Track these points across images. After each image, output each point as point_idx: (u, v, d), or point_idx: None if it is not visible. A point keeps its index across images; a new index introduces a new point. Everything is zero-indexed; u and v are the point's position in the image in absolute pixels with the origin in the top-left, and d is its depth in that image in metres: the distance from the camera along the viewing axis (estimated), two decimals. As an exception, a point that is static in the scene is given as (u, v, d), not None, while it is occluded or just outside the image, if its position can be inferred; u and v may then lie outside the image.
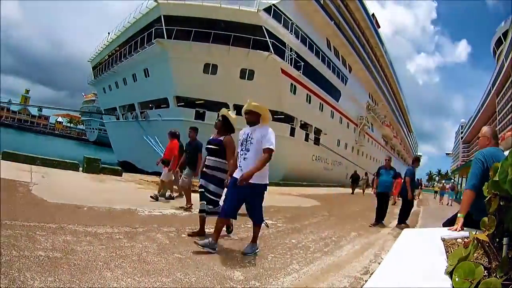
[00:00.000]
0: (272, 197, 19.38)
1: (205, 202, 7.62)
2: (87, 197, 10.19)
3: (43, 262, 4.61)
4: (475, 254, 2.63)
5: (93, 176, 15.64)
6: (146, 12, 33.71)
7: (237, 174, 6.63)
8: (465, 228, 4.14)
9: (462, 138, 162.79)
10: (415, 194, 14.59)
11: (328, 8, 40.63)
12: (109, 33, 44.07)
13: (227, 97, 31.15)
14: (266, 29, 30.16)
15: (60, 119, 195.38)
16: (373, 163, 67.19)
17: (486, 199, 2.89)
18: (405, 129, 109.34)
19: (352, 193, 33.54)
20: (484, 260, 2.68)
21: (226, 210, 6.68)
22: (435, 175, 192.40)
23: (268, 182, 6.84)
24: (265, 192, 6.97)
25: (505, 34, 78.01)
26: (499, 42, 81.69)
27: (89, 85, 57.14)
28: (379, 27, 68.26)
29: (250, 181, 6.25)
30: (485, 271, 2.26)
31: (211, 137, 7.88)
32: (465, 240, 2.99)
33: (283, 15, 32.48)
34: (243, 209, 7.02)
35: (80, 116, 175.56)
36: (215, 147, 7.64)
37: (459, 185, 57.28)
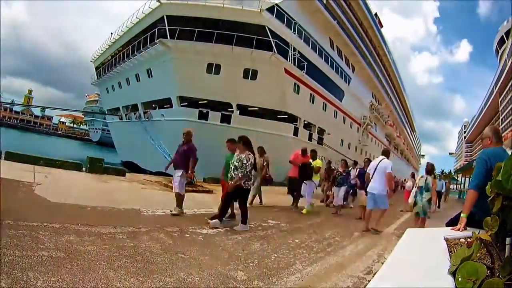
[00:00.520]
0: (276, 197, 19.42)
1: None
2: (90, 197, 10.19)
3: (46, 262, 4.61)
4: (478, 254, 2.63)
5: (96, 176, 15.64)
6: (149, 12, 33.73)
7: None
8: (468, 228, 4.13)
9: (465, 137, 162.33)
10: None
11: (331, 7, 40.54)
12: (112, 33, 44.11)
13: (230, 97, 31.14)
14: (269, 29, 30.11)
15: (63, 119, 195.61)
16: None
17: (489, 198, 2.88)
18: (408, 129, 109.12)
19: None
20: (487, 260, 2.67)
21: None
22: (438, 175, 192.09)
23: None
24: None
25: (507, 33, 77.81)
26: (502, 41, 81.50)
27: (92, 85, 57.16)
28: (382, 26, 68.13)
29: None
30: (488, 271, 2.25)
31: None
32: (468, 240, 2.97)
33: (286, 15, 32.40)
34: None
35: (83, 116, 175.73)
36: None
37: (462, 185, 57.14)
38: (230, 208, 10.43)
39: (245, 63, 30.33)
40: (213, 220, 9.04)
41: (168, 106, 33.83)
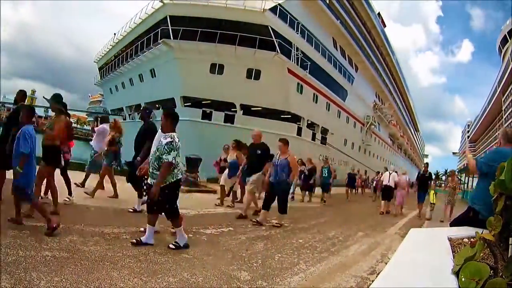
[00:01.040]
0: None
1: None
2: (93, 197, 10.19)
3: (49, 262, 4.61)
4: (481, 254, 2.61)
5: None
6: (152, 12, 33.74)
7: None
8: (471, 228, 4.12)
9: (468, 137, 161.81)
10: None
11: (334, 7, 40.47)
12: (115, 33, 44.18)
13: (233, 97, 31.17)
14: (272, 28, 30.10)
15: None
16: (380, 163, 67.14)
17: (493, 198, 2.87)
18: (412, 128, 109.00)
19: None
20: (490, 260, 2.66)
21: None
22: (442, 175, 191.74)
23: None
24: None
25: (510, 32, 77.49)
26: (505, 40, 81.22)
27: (95, 86, 57.22)
28: (385, 26, 68.07)
29: None
30: (491, 271, 2.23)
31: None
32: (472, 240, 2.96)
33: (289, 15, 32.39)
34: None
35: (86, 116, 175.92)
36: None
37: (465, 185, 57.02)
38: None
39: (248, 63, 30.35)
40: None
41: (172, 106, 33.85)
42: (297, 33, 33.15)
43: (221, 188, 13.87)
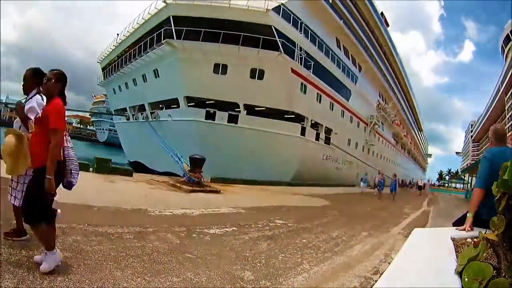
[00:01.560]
0: (283, 197, 19.45)
1: None
2: (97, 197, 10.21)
3: (52, 261, 4.61)
4: (484, 254, 2.60)
5: (104, 177, 15.68)
6: (155, 13, 33.74)
7: None
8: (475, 228, 4.11)
9: (472, 136, 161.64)
10: None
11: (337, 7, 40.41)
12: (118, 34, 44.16)
13: (237, 97, 31.15)
14: (275, 28, 30.07)
15: (70, 119, 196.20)
16: (384, 162, 67.05)
17: (496, 198, 2.86)
18: (415, 128, 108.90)
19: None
20: (493, 260, 2.65)
21: None
22: (445, 175, 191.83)
23: None
24: None
25: (513, 32, 77.31)
26: (507, 40, 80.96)
27: (99, 86, 57.28)
28: (388, 25, 67.95)
29: None
30: (494, 271, 2.23)
31: None
32: (475, 240, 2.96)
33: (292, 15, 32.34)
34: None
35: (90, 117, 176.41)
36: None
37: (469, 184, 57.14)
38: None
39: (252, 63, 30.32)
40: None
41: (175, 106, 33.88)
42: (301, 33, 33.10)
43: None
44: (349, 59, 46.03)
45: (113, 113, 53.70)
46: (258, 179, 25.46)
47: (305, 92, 33.95)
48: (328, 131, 40.26)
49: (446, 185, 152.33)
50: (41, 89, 5.26)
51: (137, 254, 5.64)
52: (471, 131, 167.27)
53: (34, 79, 5.38)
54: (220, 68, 30.78)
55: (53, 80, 4.67)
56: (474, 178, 51.63)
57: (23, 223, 5.18)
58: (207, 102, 32.13)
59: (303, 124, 34.61)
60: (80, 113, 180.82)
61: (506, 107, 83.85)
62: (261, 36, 29.60)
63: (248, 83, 30.63)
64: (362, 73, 50.79)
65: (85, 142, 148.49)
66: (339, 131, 42.21)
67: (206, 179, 19.69)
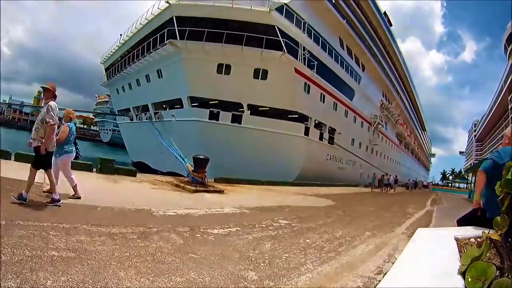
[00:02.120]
0: (287, 197, 19.43)
1: None
2: (101, 197, 10.21)
3: (56, 261, 4.62)
4: (487, 254, 2.60)
5: (107, 177, 15.68)
6: (158, 13, 33.76)
7: None
8: (478, 228, 4.10)
9: (475, 136, 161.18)
10: None
11: (340, 7, 40.43)
12: (121, 34, 44.22)
13: (241, 97, 31.17)
14: (278, 28, 30.07)
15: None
16: (387, 162, 67.05)
17: (499, 198, 2.85)
18: (418, 128, 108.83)
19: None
20: (496, 260, 2.64)
21: None
22: (449, 174, 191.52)
23: None
24: None
25: (516, 31, 77.08)
26: (510, 39, 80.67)
27: (102, 87, 57.37)
28: (391, 25, 67.90)
29: None
30: (497, 271, 2.22)
31: None
32: (478, 240, 2.95)
33: (295, 14, 32.40)
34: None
35: (93, 117, 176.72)
36: None
37: (472, 184, 57.07)
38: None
39: (255, 63, 30.33)
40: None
41: (179, 106, 33.91)
42: (304, 33, 33.11)
43: None
44: (352, 58, 46.04)
45: (117, 113, 53.76)
46: (262, 179, 25.44)
47: (308, 92, 33.95)
48: (332, 131, 40.27)
49: (450, 185, 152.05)
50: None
51: (141, 254, 5.64)
52: (475, 130, 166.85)
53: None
54: (224, 68, 30.80)
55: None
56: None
57: None
58: (210, 102, 32.15)
59: (307, 124, 34.61)
60: (84, 114, 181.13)
61: (510, 106, 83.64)
62: (264, 36, 29.61)
63: (252, 83, 30.64)
64: (366, 72, 50.80)
65: (88, 142, 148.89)
66: (342, 131, 42.21)
67: (210, 179, 19.68)
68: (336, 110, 40.95)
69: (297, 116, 33.36)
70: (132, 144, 50.76)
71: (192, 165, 18.50)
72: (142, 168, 36.77)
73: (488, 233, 2.61)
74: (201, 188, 16.38)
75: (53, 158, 9.08)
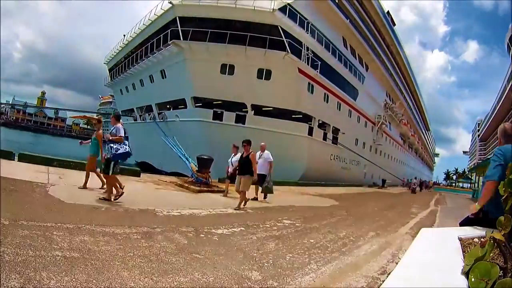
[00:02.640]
0: (291, 197, 19.45)
1: None
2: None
3: (59, 261, 4.62)
4: (491, 254, 2.59)
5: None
6: (161, 13, 33.79)
7: None
8: (481, 228, 4.09)
9: (479, 136, 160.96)
10: None
11: (343, 6, 40.43)
12: (124, 35, 44.29)
13: (244, 97, 31.18)
14: (282, 28, 30.10)
15: (77, 120, 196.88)
16: (391, 162, 66.98)
17: (503, 198, 2.84)
18: (422, 128, 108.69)
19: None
20: (500, 260, 2.63)
21: None
22: (452, 174, 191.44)
23: None
24: None
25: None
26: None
27: (105, 87, 57.47)
28: (394, 24, 67.83)
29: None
30: (501, 271, 2.21)
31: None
32: (482, 239, 2.94)
33: (298, 15, 32.38)
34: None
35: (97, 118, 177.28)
36: None
37: (476, 184, 57.02)
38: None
39: (259, 63, 30.34)
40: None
41: (183, 106, 33.95)
42: (307, 33, 33.10)
43: None
44: (356, 58, 46.04)
45: (121, 113, 53.79)
46: (266, 179, 25.46)
47: (312, 92, 33.96)
48: (336, 130, 40.29)
49: (454, 184, 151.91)
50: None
51: (145, 254, 5.64)
52: (478, 130, 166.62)
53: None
54: (227, 69, 30.83)
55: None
56: (481, 178, 51.47)
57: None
58: (214, 103, 32.19)
59: (311, 124, 34.63)
60: (87, 114, 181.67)
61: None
62: (268, 36, 29.63)
63: (255, 83, 30.65)
64: (369, 72, 50.80)
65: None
66: (346, 131, 42.21)
67: (214, 179, 19.67)
68: (340, 110, 40.95)
69: (301, 116, 33.37)
70: (136, 144, 50.78)
71: (196, 165, 18.50)
72: (146, 168, 36.78)
73: (492, 233, 2.59)
74: (205, 188, 16.41)
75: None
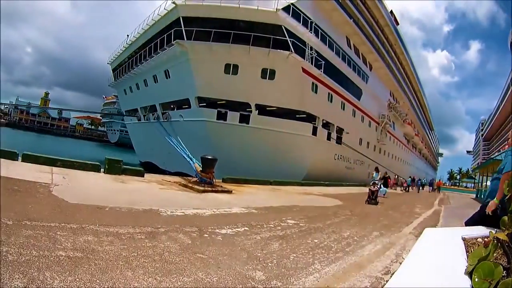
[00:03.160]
0: (295, 197, 19.40)
1: None
2: (108, 197, 10.22)
3: (63, 261, 4.61)
4: (494, 254, 2.58)
5: (115, 177, 15.70)
6: (164, 14, 33.82)
7: None
8: (485, 228, 4.08)
9: (482, 135, 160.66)
10: None
11: (347, 6, 40.45)
12: (128, 35, 44.36)
13: (248, 97, 31.21)
14: (285, 28, 30.12)
15: (80, 121, 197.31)
16: (395, 162, 66.91)
17: (507, 197, 2.83)
18: (426, 127, 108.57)
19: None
20: (503, 260, 2.62)
21: None
22: (456, 174, 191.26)
23: None
24: None
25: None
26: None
27: (109, 87, 57.61)
28: (397, 24, 67.75)
29: None
30: (504, 271, 2.20)
31: None
32: (485, 239, 2.93)
33: (302, 14, 32.40)
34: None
35: (100, 118, 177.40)
36: None
37: (479, 183, 56.94)
38: None
39: (263, 63, 30.36)
40: None
41: (187, 106, 33.98)
42: (311, 32, 33.11)
43: None
44: (359, 58, 46.08)
45: (124, 114, 53.90)
46: (270, 179, 25.42)
47: (316, 92, 33.97)
48: (340, 130, 40.26)
49: (457, 184, 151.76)
50: None
51: (148, 254, 5.64)
52: (482, 129, 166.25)
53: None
54: (231, 68, 30.84)
55: None
56: (485, 177, 51.38)
57: None
58: (218, 103, 32.23)
59: (315, 124, 34.65)
60: (91, 114, 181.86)
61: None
62: (272, 36, 29.64)
63: (259, 83, 30.67)
64: (373, 72, 50.85)
65: (96, 143, 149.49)
66: (350, 131, 42.20)
67: (218, 179, 19.68)
68: (343, 109, 40.95)
69: (305, 116, 33.39)
70: (139, 144, 50.92)
71: (200, 165, 18.51)
72: (150, 168, 36.83)
73: (495, 233, 2.58)
74: (209, 188, 16.38)
75: None
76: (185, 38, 30.40)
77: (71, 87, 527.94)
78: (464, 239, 3.48)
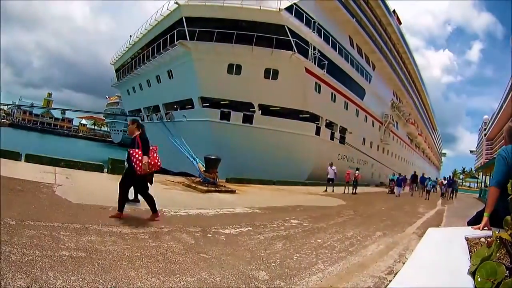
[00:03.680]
0: (298, 197, 19.41)
1: None
2: (112, 198, 10.20)
3: (66, 261, 4.62)
4: (498, 254, 2.57)
5: (118, 177, 15.66)
6: (167, 14, 33.83)
7: None
8: (489, 227, 4.07)
9: (485, 135, 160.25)
10: None
11: (349, 5, 40.33)
12: (131, 35, 44.38)
13: (251, 97, 31.19)
14: (288, 28, 30.08)
15: (83, 121, 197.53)
16: (398, 162, 66.78)
17: (510, 197, 2.82)
18: (429, 127, 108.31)
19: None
20: (506, 260, 2.61)
21: None
22: (459, 173, 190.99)
23: None
24: None
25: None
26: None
27: (112, 87, 57.61)
28: (400, 23, 67.62)
29: None
30: (507, 271, 2.19)
31: None
32: (489, 239, 2.92)
33: (304, 14, 32.34)
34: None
35: (104, 118, 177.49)
36: None
37: (483, 183, 56.96)
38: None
39: (266, 63, 30.34)
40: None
41: (190, 106, 33.98)
42: (314, 32, 33.05)
43: None
44: (362, 57, 45.96)
45: (128, 114, 53.89)
46: (273, 179, 25.42)
47: (319, 92, 33.91)
48: (343, 130, 40.20)
49: (461, 184, 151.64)
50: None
51: (152, 254, 5.65)
52: (485, 129, 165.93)
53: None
54: (234, 68, 30.83)
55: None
56: (488, 177, 51.32)
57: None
58: (221, 103, 32.23)
59: (318, 124, 34.60)
60: (94, 115, 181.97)
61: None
62: (275, 36, 29.60)
63: (263, 83, 30.65)
64: (376, 71, 50.68)
65: (99, 143, 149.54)
66: (353, 130, 42.12)
67: (221, 179, 19.67)
68: (347, 109, 40.89)
69: (308, 115, 33.34)
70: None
71: (203, 165, 18.51)
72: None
73: (498, 232, 2.57)
74: (212, 188, 16.39)
75: None
76: (188, 38, 30.40)
77: (80, 89, 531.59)
78: (467, 239, 3.47)
